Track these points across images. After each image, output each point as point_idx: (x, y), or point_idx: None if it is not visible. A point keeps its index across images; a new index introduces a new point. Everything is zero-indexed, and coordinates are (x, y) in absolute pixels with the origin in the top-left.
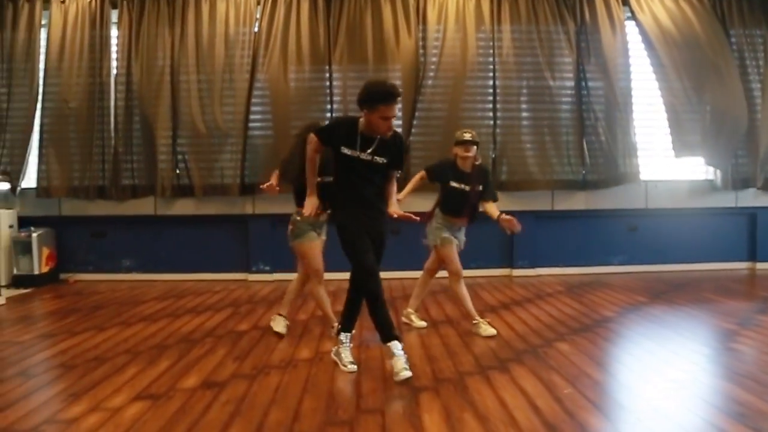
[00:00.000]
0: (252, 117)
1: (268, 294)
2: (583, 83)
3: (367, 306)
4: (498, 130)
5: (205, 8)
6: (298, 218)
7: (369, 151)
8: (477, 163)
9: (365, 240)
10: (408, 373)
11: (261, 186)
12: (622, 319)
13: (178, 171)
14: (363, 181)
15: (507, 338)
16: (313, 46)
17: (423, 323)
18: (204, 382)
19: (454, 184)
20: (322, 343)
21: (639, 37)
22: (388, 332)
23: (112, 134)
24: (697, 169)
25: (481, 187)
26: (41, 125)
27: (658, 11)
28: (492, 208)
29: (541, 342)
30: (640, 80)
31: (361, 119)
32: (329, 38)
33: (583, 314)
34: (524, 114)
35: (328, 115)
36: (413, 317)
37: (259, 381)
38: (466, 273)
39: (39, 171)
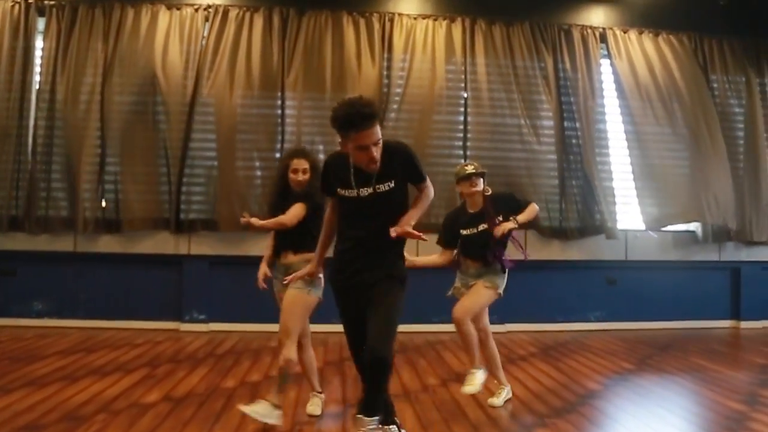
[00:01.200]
0: (192, 144)
1: (199, 349)
2: (562, 123)
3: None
4: None
5: (144, 20)
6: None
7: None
8: (488, 194)
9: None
10: None
11: (241, 217)
12: (608, 394)
13: (104, 203)
14: (361, 221)
15: (474, 422)
16: (265, 68)
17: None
18: None
19: (465, 231)
20: (243, 425)
21: (612, 83)
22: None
23: (29, 157)
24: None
25: (501, 219)
26: None
27: (635, 55)
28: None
29: (517, 428)
30: (618, 122)
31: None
32: (283, 60)
33: (564, 386)
34: (497, 153)
35: (278, 146)
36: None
37: None
38: (428, 328)
39: None
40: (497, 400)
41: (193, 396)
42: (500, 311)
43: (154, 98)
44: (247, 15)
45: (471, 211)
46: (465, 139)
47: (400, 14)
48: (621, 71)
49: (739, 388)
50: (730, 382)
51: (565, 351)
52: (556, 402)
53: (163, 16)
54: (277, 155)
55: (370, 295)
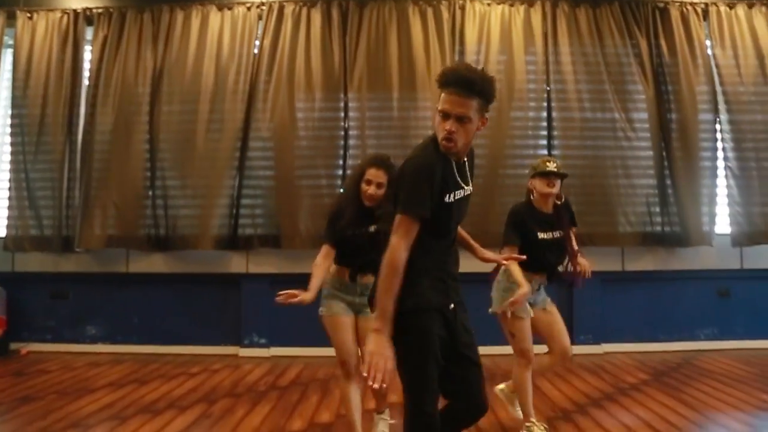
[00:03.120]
0: (249, 154)
1: (260, 379)
2: (660, 115)
3: None
4: None
5: (195, 23)
6: (328, 277)
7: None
8: (560, 202)
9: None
10: None
11: (278, 296)
12: None
13: (155, 219)
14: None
15: None
16: (326, 68)
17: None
18: None
19: (543, 235)
20: None
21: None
22: None
23: (77, 174)
24: None
25: (574, 228)
26: None
27: (742, 34)
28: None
29: None
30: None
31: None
32: (345, 59)
33: (697, 425)
34: (587, 152)
35: (341, 152)
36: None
37: None
38: (488, 351)
39: None
40: None
41: None
42: (594, 329)
43: (207, 106)
44: (304, 11)
45: (543, 211)
46: (550, 137)
47: (471, 1)
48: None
49: None
50: None
51: (680, 377)
52: None
53: (215, 17)
54: (340, 162)
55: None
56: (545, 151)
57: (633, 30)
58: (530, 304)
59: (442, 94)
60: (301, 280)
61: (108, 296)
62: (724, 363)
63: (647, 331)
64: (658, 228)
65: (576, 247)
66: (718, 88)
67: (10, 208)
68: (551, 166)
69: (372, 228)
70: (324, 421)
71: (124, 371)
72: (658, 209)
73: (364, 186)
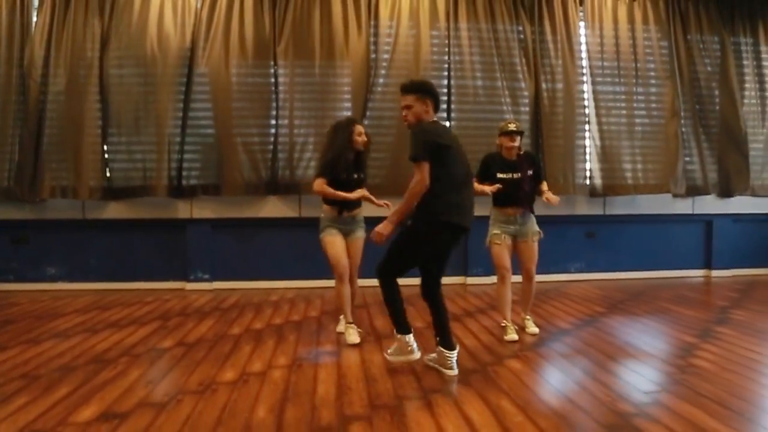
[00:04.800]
0: (191, 114)
1: (204, 304)
2: (537, 85)
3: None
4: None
5: None
6: (321, 215)
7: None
8: (521, 152)
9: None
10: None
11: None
12: (579, 332)
13: (108, 172)
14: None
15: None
16: (258, 37)
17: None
18: (103, 414)
19: (501, 175)
20: (250, 363)
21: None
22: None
23: (35, 130)
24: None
25: (531, 172)
26: None
27: (607, 19)
28: (543, 186)
29: (492, 359)
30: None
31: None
32: (275, 30)
33: (539, 327)
34: (479, 115)
35: (273, 113)
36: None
37: (168, 411)
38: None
39: None
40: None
41: (203, 341)
42: (486, 264)
43: (153, 70)
44: None
45: (508, 159)
46: (449, 102)
47: None
48: (594, 35)
49: (696, 325)
50: (689, 320)
51: (544, 298)
52: (529, 339)
53: None
54: (272, 122)
55: None
56: (445, 114)
57: (520, 14)
58: (513, 236)
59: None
60: (239, 224)
61: (66, 241)
62: (582, 289)
63: None
64: None
65: (545, 189)
66: (585, 63)
67: None
68: (512, 127)
69: (356, 175)
70: (257, 327)
71: (86, 302)
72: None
73: (357, 138)
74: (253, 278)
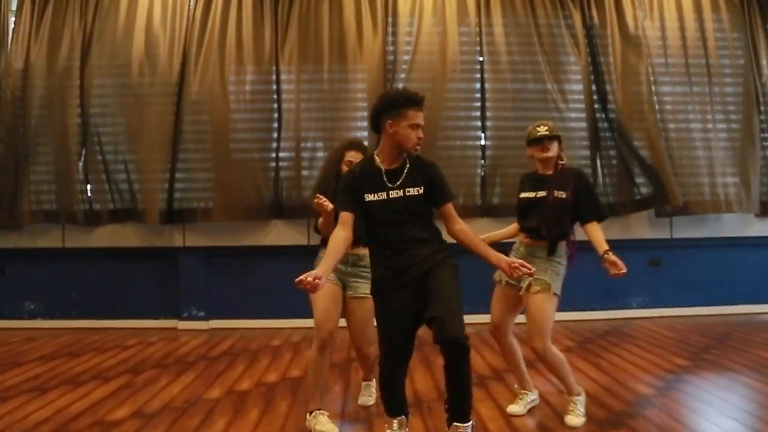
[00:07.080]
0: (183, 128)
1: (192, 351)
2: (595, 87)
3: None
4: (488, 143)
5: None
6: (320, 255)
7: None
8: (563, 162)
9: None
10: None
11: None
12: (665, 401)
13: (90, 194)
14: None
15: None
16: (258, 39)
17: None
18: None
19: (524, 194)
20: None
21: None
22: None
23: (10, 149)
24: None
25: (564, 195)
26: None
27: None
28: (595, 233)
29: None
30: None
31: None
32: (277, 32)
33: (607, 390)
34: (519, 123)
35: (276, 125)
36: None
37: None
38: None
39: None
40: (518, 408)
41: (167, 411)
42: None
43: (139, 80)
44: None
45: (540, 174)
46: (483, 108)
47: None
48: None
49: None
50: None
51: (604, 344)
52: (598, 412)
53: None
54: (275, 135)
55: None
56: (479, 123)
57: (567, 3)
58: (517, 280)
59: (411, 111)
60: (239, 254)
61: (46, 272)
62: (650, 330)
63: (580, 300)
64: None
65: (601, 240)
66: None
67: None
68: (542, 131)
69: None
70: (243, 389)
71: (59, 345)
72: (592, 180)
73: (344, 167)
74: (255, 316)
